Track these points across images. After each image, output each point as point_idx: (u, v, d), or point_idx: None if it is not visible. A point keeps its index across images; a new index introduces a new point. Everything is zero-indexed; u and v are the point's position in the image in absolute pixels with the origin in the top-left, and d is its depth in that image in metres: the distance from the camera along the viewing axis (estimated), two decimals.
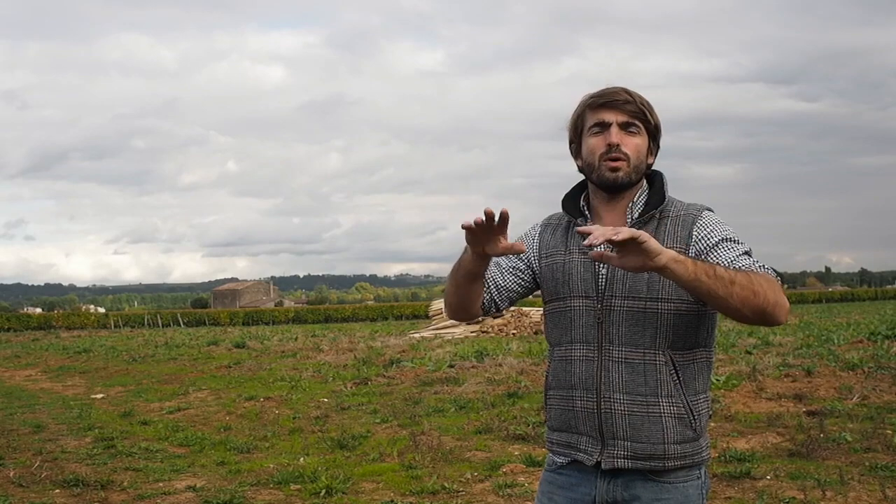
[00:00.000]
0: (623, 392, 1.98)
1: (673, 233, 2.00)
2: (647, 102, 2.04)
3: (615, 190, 2.04)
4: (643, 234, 1.71)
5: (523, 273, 2.19)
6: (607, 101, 2.02)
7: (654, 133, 2.06)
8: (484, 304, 2.19)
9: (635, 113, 2.01)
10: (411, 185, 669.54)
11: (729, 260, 1.90)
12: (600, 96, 2.03)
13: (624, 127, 2.01)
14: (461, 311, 2.20)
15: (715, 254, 1.93)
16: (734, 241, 1.96)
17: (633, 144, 2.02)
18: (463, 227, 1.93)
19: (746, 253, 1.93)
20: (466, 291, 2.14)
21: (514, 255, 2.08)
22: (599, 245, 1.72)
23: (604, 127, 2.02)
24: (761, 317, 1.81)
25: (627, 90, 2.03)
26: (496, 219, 1.90)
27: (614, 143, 2.00)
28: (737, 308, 1.79)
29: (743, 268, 1.85)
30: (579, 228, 1.78)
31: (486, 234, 1.95)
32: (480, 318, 23.89)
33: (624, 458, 1.98)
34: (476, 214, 1.90)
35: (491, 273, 2.18)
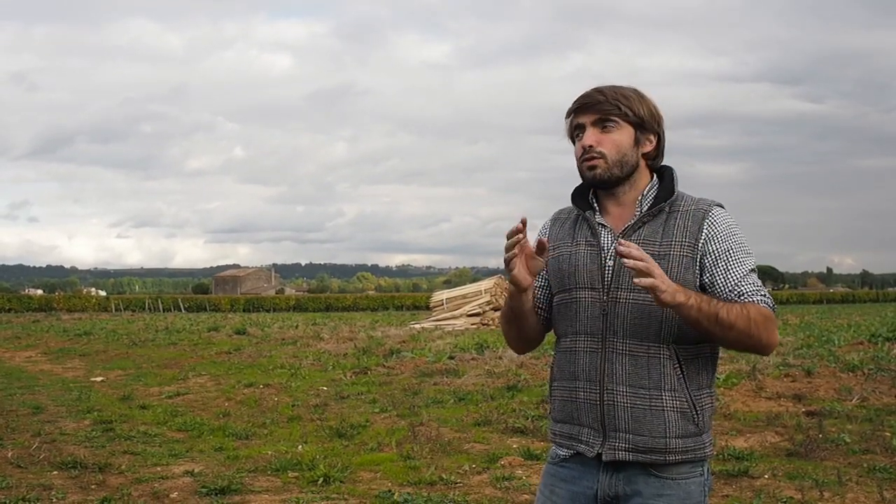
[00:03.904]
0: (626, 384, 1.98)
1: (682, 227, 2.01)
2: (626, 95, 2.05)
3: (602, 187, 2.08)
4: (661, 287, 1.83)
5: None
6: (580, 104, 2.07)
7: (639, 123, 2.06)
8: (543, 324, 2.21)
9: (608, 109, 2.03)
10: (416, 176, 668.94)
11: (734, 282, 1.96)
12: (575, 102, 2.08)
13: (599, 125, 2.04)
14: (526, 345, 2.25)
15: (723, 268, 1.97)
16: (742, 252, 1.99)
17: (611, 140, 2.04)
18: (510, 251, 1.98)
19: (752, 269, 1.99)
20: (523, 326, 2.18)
21: (542, 259, 2.06)
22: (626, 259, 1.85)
23: (582, 130, 2.07)
24: (747, 351, 1.99)
25: (601, 88, 2.06)
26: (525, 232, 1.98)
27: (587, 145, 2.04)
28: (727, 345, 1.99)
29: (745, 295, 1.95)
30: (622, 248, 1.85)
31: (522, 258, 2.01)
32: (481, 311, 23.79)
33: (625, 451, 1.98)
34: (513, 222, 1.99)
35: (535, 297, 2.21)
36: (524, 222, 1.97)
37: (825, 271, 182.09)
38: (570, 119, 2.11)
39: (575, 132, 2.09)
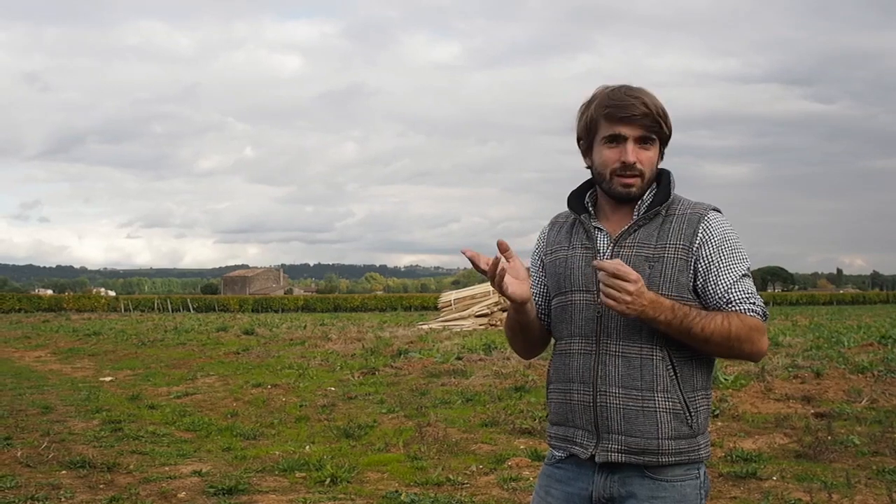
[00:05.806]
0: (618, 386, 1.98)
1: (678, 230, 2.00)
2: (663, 109, 2.01)
3: (628, 201, 2.05)
4: (634, 307, 1.87)
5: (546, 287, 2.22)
6: (625, 115, 1.97)
7: (667, 140, 2.05)
8: (546, 329, 2.21)
9: (652, 126, 1.98)
10: (425, 176, 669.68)
11: (724, 289, 1.96)
12: (618, 108, 1.97)
13: (640, 141, 1.99)
14: (532, 351, 2.24)
15: (714, 274, 1.97)
16: (735, 257, 1.98)
17: (648, 158, 2.00)
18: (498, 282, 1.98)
19: (745, 275, 1.98)
20: (528, 336, 2.18)
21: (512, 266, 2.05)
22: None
23: (619, 141, 1.99)
24: (731, 359, 2.02)
25: (645, 100, 1.98)
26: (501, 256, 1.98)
27: (630, 162, 1.98)
28: (709, 354, 2.00)
29: (733, 303, 1.94)
30: (596, 263, 1.93)
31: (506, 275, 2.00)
32: (489, 312, 23.84)
33: (617, 452, 1.98)
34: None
35: (535, 303, 2.21)
36: (502, 246, 1.97)
37: (835, 272, 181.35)
38: (600, 119, 2.01)
39: (608, 140, 2.00)
